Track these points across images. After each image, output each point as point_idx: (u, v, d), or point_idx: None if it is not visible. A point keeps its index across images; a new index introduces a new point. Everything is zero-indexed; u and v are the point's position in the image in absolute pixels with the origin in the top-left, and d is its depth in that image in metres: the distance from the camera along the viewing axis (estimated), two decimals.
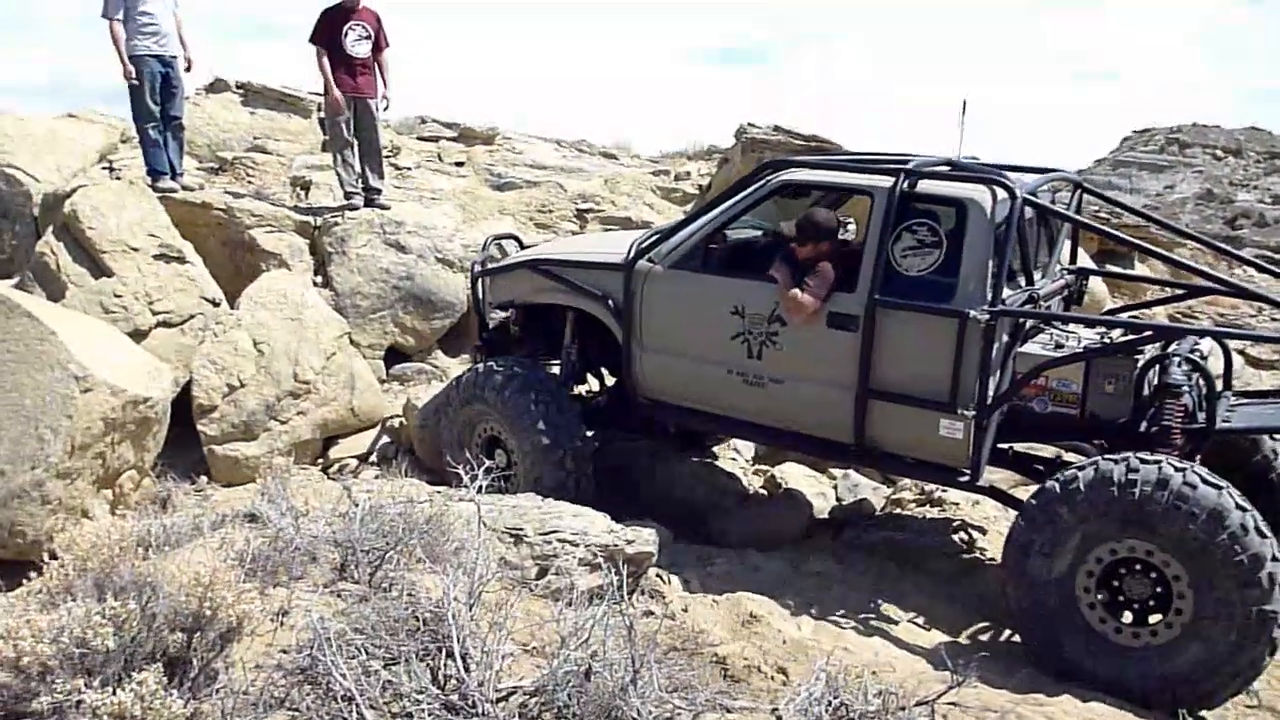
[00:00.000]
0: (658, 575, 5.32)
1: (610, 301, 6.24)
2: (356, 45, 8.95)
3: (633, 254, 6.14)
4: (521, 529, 4.80)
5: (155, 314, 7.71)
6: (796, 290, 5.52)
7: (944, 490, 6.97)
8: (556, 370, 6.88)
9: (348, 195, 9.22)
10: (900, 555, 6.34)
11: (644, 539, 4.99)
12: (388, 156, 11.76)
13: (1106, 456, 4.89)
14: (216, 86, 12.47)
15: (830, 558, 6.26)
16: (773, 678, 4.33)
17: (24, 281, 7.75)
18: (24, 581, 4.16)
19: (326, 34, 8.93)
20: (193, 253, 8.25)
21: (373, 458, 7.80)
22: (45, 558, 3.77)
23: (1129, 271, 7.59)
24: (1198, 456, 5.07)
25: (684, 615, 4.86)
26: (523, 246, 7.58)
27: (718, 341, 5.88)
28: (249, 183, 10.08)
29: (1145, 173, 25.77)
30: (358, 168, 9.27)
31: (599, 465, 6.93)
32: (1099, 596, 4.80)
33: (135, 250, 7.83)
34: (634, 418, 6.72)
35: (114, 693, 2.88)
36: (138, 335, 7.46)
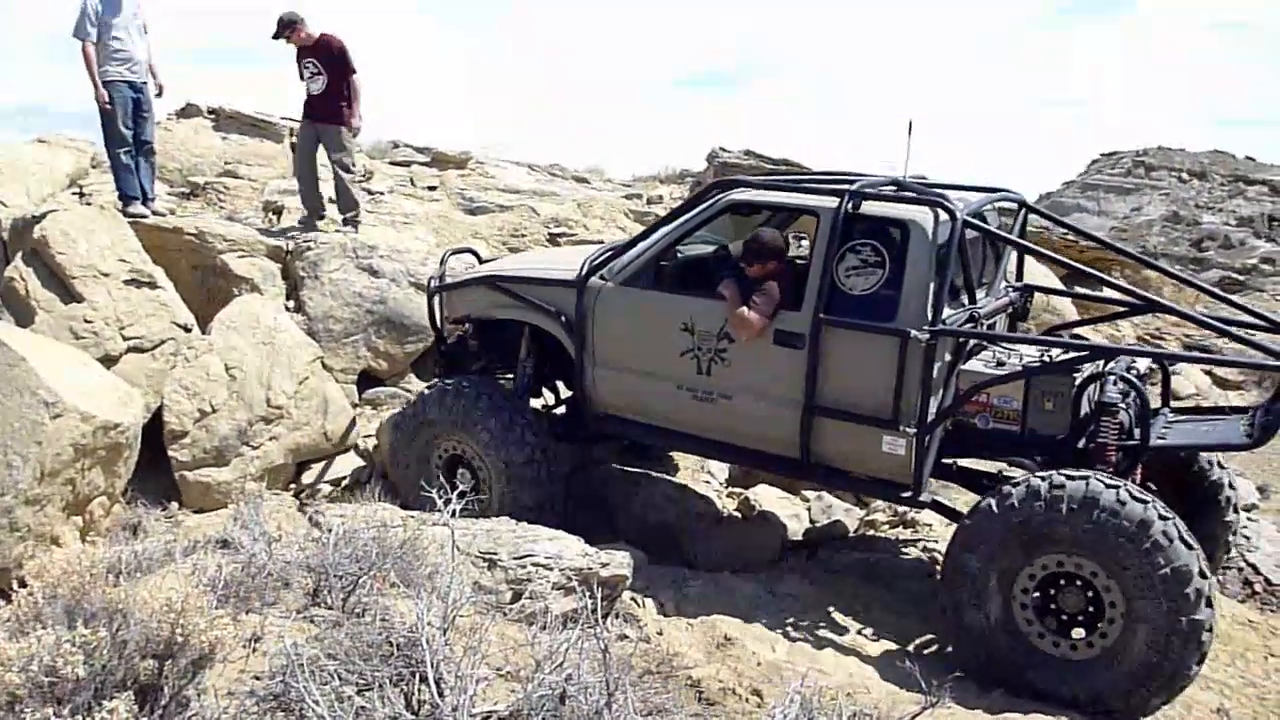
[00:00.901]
0: (632, 598, 5.32)
1: (563, 317, 6.31)
2: (310, 83, 9.22)
3: (585, 271, 6.22)
4: (495, 553, 4.79)
5: (126, 339, 7.65)
6: (744, 308, 5.62)
7: (916, 511, 7.02)
8: (512, 383, 6.94)
9: (301, 221, 9.39)
10: (874, 576, 6.37)
11: (618, 562, 5.00)
12: (360, 181, 11.73)
13: (986, 494, 5.10)
14: (188, 111, 12.44)
15: (804, 579, 6.28)
16: (747, 700, 4.34)
17: None
18: None
19: (298, 72, 9.28)
20: (164, 278, 8.20)
21: (345, 482, 7.76)
22: (14, 585, 3.75)
23: (1077, 290, 7.63)
24: (1137, 472, 5.24)
25: (659, 638, 4.86)
26: (480, 261, 7.64)
27: (668, 357, 5.96)
28: (221, 207, 10.07)
29: (1112, 195, 26.10)
30: (325, 193, 9.38)
31: (574, 490, 6.96)
32: (1045, 624, 4.91)
33: (106, 275, 7.77)
34: (588, 430, 6.77)
35: None
36: (108, 361, 7.40)
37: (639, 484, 7.61)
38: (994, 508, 4.93)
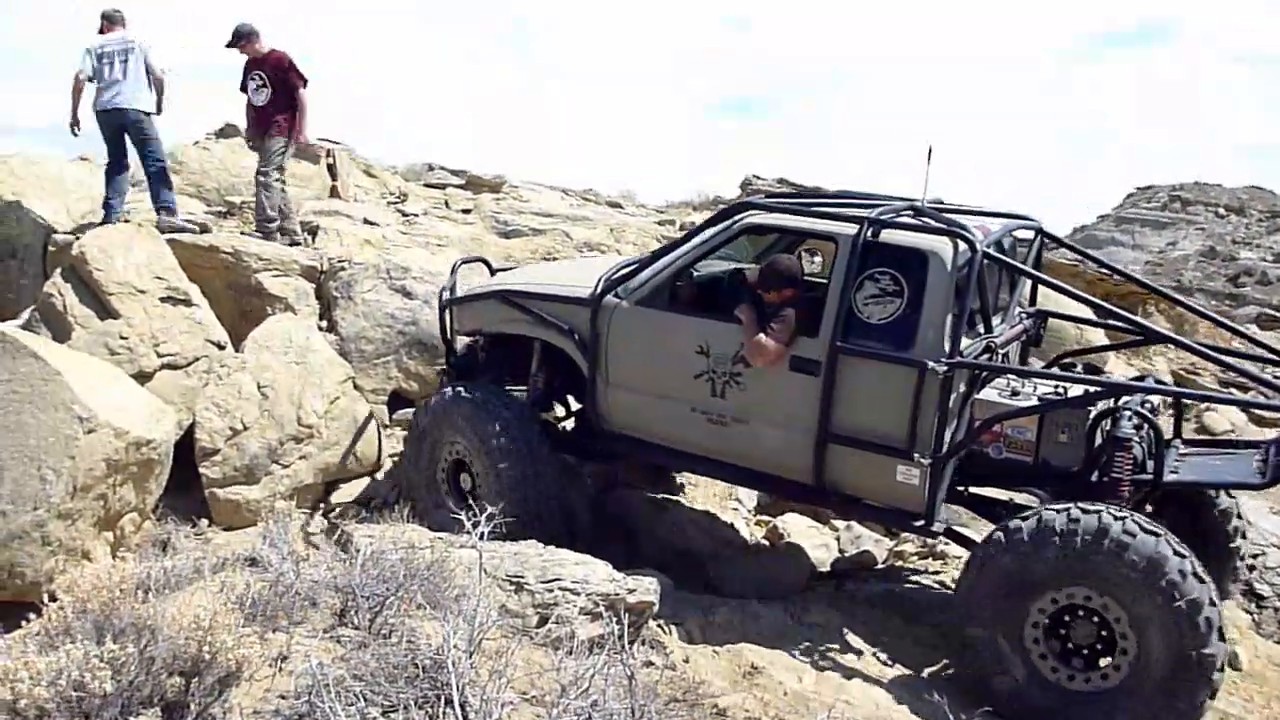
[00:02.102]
0: (659, 625, 5.30)
1: (576, 335, 6.31)
2: (255, 95, 9.42)
3: (600, 289, 6.20)
4: (523, 576, 4.78)
5: (160, 356, 7.71)
6: (761, 335, 5.61)
7: (945, 542, 6.96)
8: (523, 395, 6.92)
9: (262, 227, 9.48)
10: (902, 607, 6.31)
11: (645, 588, 4.97)
12: (394, 202, 11.86)
13: (962, 565, 5.26)
14: (226, 131, 12.57)
15: (832, 609, 6.23)
16: None
17: (31, 322, 7.77)
18: (23, 623, 4.15)
19: (243, 83, 9.52)
20: (199, 295, 8.28)
21: (374, 502, 7.77)
22: (45, 599, 3.76)
23: (1090, 317, 7.46)
24: (1148, 506, 5.32)
25: (685, 665, 4.84)
26: (491, 271, 7.62)
27: (682, 380, 5.95)
28: None
29: (1148, 229, 25.91)
30: (288, 199, 9.67)
31: (601, 514, 6.93)
32: (1072, 665, 4.89)
33: (142, 292, 7.85)
34: (599, 447, 6.75)
35: None
36: (142, 377, 7.46)
37: (666, 510, 7.59)
38: (974, 570, 5.06)
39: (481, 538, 4.33)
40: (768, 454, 5.86)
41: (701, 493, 8.09)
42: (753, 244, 6.87)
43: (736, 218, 6.00)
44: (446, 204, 13.12)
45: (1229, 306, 18.55)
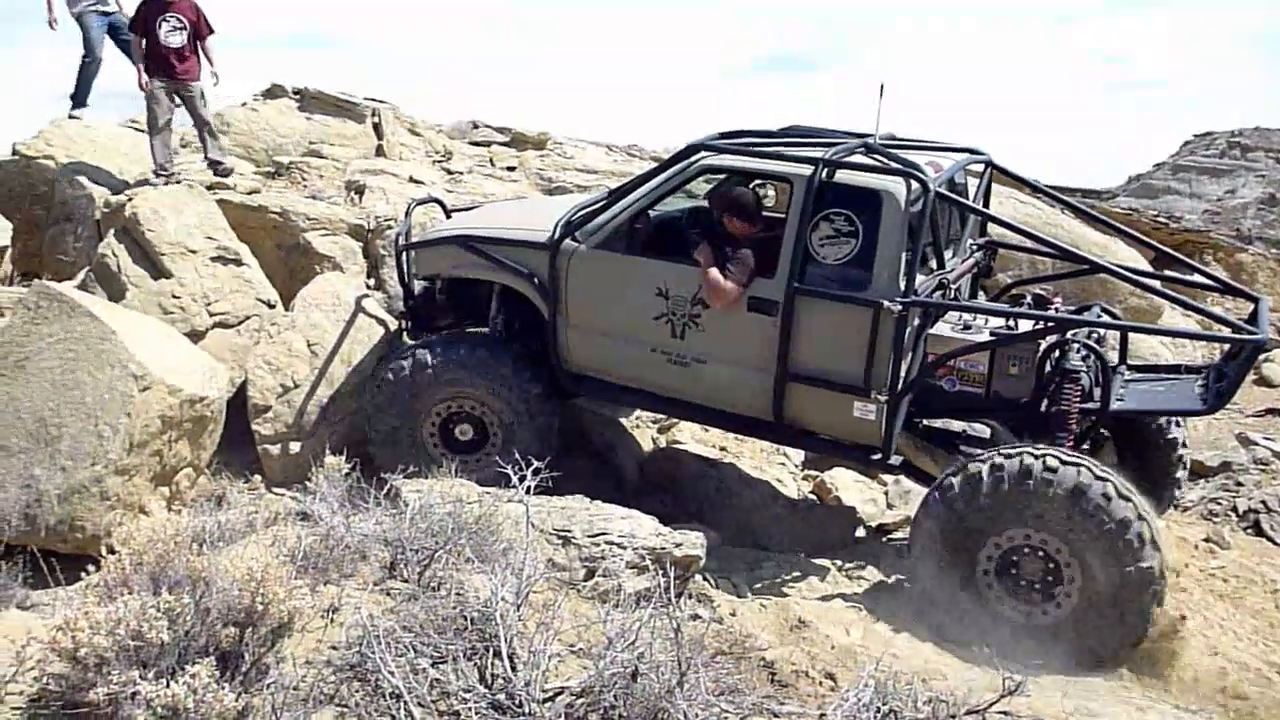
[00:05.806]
0: (705, 578, 5.32)
1: (535, 279, 6.30)
2: (170, 36, 9.18)
3: (558, 234, 6.19)
4: (570, 530, 4.81)
5: (212, 315, 7.82)
6: (719, 276, 5.64)
7: None
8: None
9: (155, 172, 9.18)
10: None
11: (692, 542, 4.98)
12: (439, 161, 11.87)
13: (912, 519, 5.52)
14: (273, 92, 12.60)
15: (879, 563, 6.22)
16: (821, 683, 4.31)
17: (86, 282, 7.89)
18: (82, 575, 4.24)
19: (141, 25, 9.17)
20: (249, 255, 8.36)
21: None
22: (103, 552, 3.84)
23: (1032, 245, 7.12)
24: (1096, 431, 5.58)
25: (731, 619, 4.85)
26: (447, 213, 7.57)
27: (642, 321, 6.01)
28: (304, 186, 10.20)
29: (1205, 177, 25.24)
30: (173, 146, 9.50)
31: (653, 469, 6.93)
32: (1036, 598, 5.08)
33: (193, 252, 7.95)
34: (561, 386, 6.71)
35: (168, 685, 2.93)
36: (195, 335, 7.57)
37: (713, 465, 7.60)
38: (923, 524, 5.27)
39: (528, 492, 4.36)
40: (728, 393, 5.96)
41: (749, 448, 8.08)
42: (711, 183, 6.84)
43: (691, 159, 5.98)
44: (491, 162, 13.07)
45: None
